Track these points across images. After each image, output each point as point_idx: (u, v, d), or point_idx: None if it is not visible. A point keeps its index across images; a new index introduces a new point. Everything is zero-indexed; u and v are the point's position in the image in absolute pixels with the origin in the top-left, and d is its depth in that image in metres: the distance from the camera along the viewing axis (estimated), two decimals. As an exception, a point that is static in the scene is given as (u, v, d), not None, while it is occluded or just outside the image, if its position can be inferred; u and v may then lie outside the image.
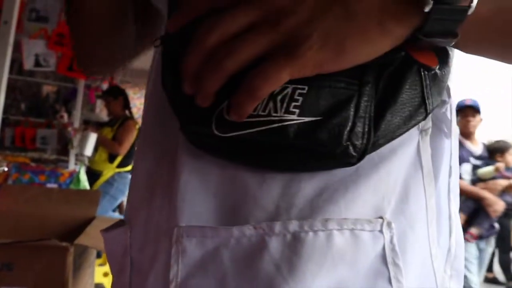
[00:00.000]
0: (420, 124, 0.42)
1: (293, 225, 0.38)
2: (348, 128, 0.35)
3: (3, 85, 1.67)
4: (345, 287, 0.38)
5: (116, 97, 3.61)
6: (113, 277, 0.51)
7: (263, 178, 0.39)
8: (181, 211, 0.40)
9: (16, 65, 3.93)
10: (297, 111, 0.35)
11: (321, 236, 0.37)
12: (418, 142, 0.43)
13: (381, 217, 0.39)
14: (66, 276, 1.08)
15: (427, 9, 0.32)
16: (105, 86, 4.40)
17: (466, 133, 2.96)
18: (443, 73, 0.39)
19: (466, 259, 2.79)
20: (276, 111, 0.36)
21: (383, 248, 0.39)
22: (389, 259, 0.39)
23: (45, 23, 3.08)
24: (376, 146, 0.37)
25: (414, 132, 0.42)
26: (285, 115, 0.36)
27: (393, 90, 0.37)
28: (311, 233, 0.37)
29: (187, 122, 0.39)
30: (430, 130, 0.44)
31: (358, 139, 0.36)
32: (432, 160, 0.44)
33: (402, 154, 0.42)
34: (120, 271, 0.48)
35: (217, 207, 0.40)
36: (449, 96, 0.45)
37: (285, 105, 0.36)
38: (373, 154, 0.40)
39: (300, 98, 0.36)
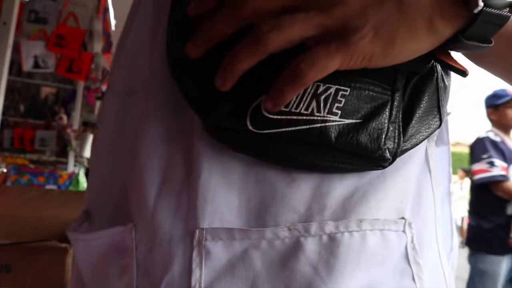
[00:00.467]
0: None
1: (329, 226, 0.37)
2: (385, 133, 0.37)
3: (2, 86, 1.67)
4: (377, 286, 0.38)
5: (116, 98, 3.61)
6: (100, 278, 0.46)
7: (292, 177, 0.39)
8: (203, 211, 0.38)
9: (15, 66, 3.93)
10: (339, 112, 0.36)
11: (356, 236, 0.38)
12: (426, 147, 0.45)
13: (403, 218, 0.40)
14: (65, 277, 1.07)
15: (476, 11, 0.32)
16: (104, 87, 4.40)
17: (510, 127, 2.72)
18: (449, 84, 0.42)
19: (498, 275, 2.57)
20: (319, 111, 0.36)
21: (406, 248, 0.40)
22: (411, 258, 0.40)
23: (44, 24, 3.08)
24: (403, 151, 0.38)
25: None
26: (328, 115, 0.36)
27: (417, 98, 0.39)
28: (347, 234, 0.37)
29: (214, 116, 0.37)
30: (435, 137, 0.46)
31: (391, 143, 0.37)
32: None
33: (416, 158, 0.43)
34: (122, 273, 0.44)
35: (241, 207, 0.39)
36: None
37: (328, 105, 0.36)
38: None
39: (343, 100, 0.36)
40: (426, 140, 0.44)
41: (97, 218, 0.49)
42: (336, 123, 0.36)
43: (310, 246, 0.37)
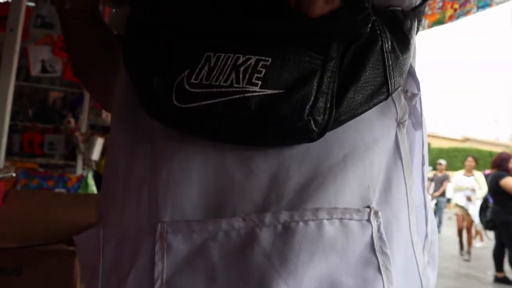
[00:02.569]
0: (397, 116, 0.44)
1: (284, 216, 0.38)
2: (310, 103, 0.36)
3: (10, 91, 1.69)
4: (337, 276, 0.38)
5: (122, 101, 3.62)
6: (85, 284, 0.48)
7: (250, 168, 0.39)
8: (164, 206, 0.39)
9: (23, 71, 3.96)
10: (259, 83, 0.36)
11: (312, 225, 0.37)
12: (396, 134, 0.44)
13: (368, 207, 0.40)
14: (74, 280, 1.09)
15: None
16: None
17: None
18: (404, 56, 0.41)
19: None
20: (238, 82, 0.36)
21: (371, 237, 0.39)
22: (377, 248, 0.39)
23: (50, 29, 3.09)
24: (337, 122, 0.38)
25: (392, 124, 0.44)
26: (247, 86, 0.36)
27: (357, 67, 0.38)
28: (301, 223, 0.37)
29: (147, 93, 0.39)
30: (406, 122, 0.45)
31: (320, 114, 0.36)
32: None
33: (383, 145, 0.43)
34: (93, 275, 0.45)
35: (201, 199, 0.39)
36: (418, 89, 0.47)
37: (247, 76, 0.36)
38: (359, 142, 0.41)
39: (263, 70, 0.36)
40: (396, 126, 0.44)
41: None
42: (257, 93, 0.35)
43: (265, 236, 0.37)
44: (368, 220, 0.39)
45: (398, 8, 0.41)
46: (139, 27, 0.41)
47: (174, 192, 0.39)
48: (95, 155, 3.50)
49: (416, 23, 0.44)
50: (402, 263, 0.42)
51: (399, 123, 0.44)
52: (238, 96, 0.35)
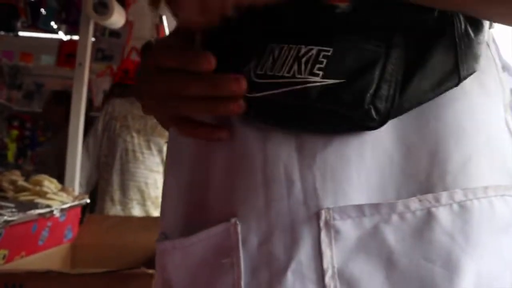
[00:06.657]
0: (505, 99, 0.43)
1: (459, 195, 0.38)
2: (371, 91, 0.35)
3: (81, 122, 1.79)
4: (508, 255, 0.38)
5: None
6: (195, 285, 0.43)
7: (406, 146, 0.39)
8: (324, 191, 0.38)
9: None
10: (321, 73, 0.36)
11: (484, 203, 0.38)
12: (505, 118, 0.44)
13: None
14: (154, 302, 1.11)
15: None
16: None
17: None
18: (478, 40, 0.39)
19: None
20: (300, 73, 0.36)
21: None
22: None
23: (110, 61, 3.26)
24: (400, 110, 0.37)
25: (501, 107, 0.43)
26: (309, 77, 0.36)
27: (424, 54, 0.37)
28: (475, 201, 0.38)
29: None
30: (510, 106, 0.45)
31: (382, 102, 0.36)
32: None
33: (503, 127, 0.43)
34: (224, 274, 0.40)
35: (361, 182, 0.38)
36: None
37: (309, 66, 0.36)
38: (488, 127, 0.41)
39: (325, 60, 0.36)
40: (503, 110, 0.43)
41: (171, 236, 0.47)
42: (318, 84, 0.36)
43: (443, 215, 0.37)
44: None
45: None
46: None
47: (333, 177, 0.38)
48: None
49: None
50: None
51: (505, 105, 0.44)
52: (300, 86, 0.36)
